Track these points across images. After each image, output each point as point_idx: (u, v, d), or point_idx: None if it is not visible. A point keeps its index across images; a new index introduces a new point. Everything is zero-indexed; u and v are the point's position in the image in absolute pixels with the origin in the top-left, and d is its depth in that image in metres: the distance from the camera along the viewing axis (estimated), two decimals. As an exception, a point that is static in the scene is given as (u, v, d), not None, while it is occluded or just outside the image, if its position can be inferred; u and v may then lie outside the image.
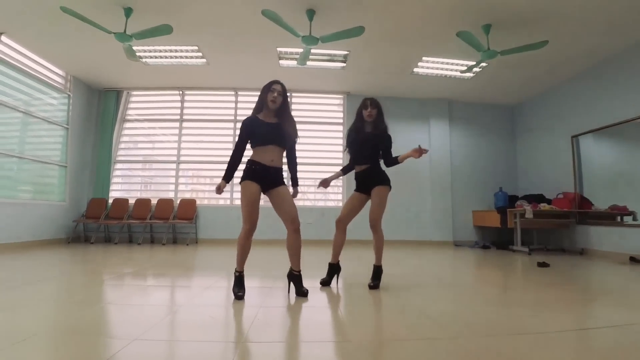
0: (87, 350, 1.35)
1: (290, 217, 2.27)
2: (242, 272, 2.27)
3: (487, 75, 5.51)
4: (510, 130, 6.87)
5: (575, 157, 5.39)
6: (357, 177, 2.66)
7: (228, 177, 2.26)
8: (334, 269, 2.63)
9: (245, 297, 2.18)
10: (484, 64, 5.00)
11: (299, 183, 2.55)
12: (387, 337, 1.59)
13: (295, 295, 2.28)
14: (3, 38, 4.54)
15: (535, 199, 5.60)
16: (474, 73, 5.42)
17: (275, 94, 2.28)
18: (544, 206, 5.21)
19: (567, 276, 3.29)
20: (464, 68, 5.05)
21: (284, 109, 2.33)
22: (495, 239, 6.22)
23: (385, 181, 2.56)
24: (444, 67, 5.31)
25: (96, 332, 1.59)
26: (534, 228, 5.76)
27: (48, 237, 5.32)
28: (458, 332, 1.60)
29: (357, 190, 2.65)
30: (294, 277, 2.31)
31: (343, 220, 2.60)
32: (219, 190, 2.22)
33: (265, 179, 2.23)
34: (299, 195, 2.54)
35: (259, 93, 2.36)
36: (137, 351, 1.33)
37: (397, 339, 1.56)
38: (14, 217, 4.71)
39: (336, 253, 2.62)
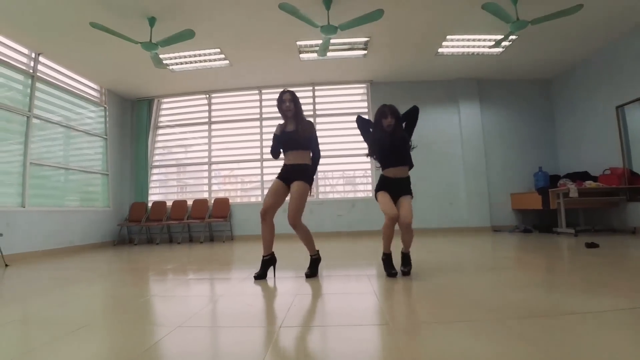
0: (135, 336, 1.43)
1: (289, 213, 2.47)
2: (265, 256, 2.54)
3: (518, 48, 5.21)
4: (547, 105, 6.47)
5: (621, 129, 4.99)
6: (387, 180, 2.55)
7: None
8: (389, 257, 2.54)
9: (280, 285, 2.25)
10: (513, 37, 4.73)
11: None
12: (425, 320, 1.56)
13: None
14: (41, 58, 4.87)
15: (580, 176, 5.25)
16: (503, 48, 5.15)
17: (287, 104, 2.53)
18: (589, 184, 4.88)
19: (619, 256, 3.05)
20: (492, 43, 4.80)
21: (297, 114, 2.56)
22: (536, 222, 5.91)
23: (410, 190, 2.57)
24: (470, 44, 5.09)
25: (142, 320, 1.68)
26: (579, 208, 5.41)
27: (96, 240, 5.69)
28: (501, 314, 1.53)
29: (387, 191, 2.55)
30: (311, 260, 2.59)
31: (395, 217, 2.40)
32: None
33: (285, 173, 2.55)
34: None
35: (282, 89, 2.60)
36: (181, 336, 1.39)
37: (436, 321, 1.52)
38: (65, 223, 5.07)
39: (389, 244, 2.52)
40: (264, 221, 2.50)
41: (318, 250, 2.63)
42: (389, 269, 2.45)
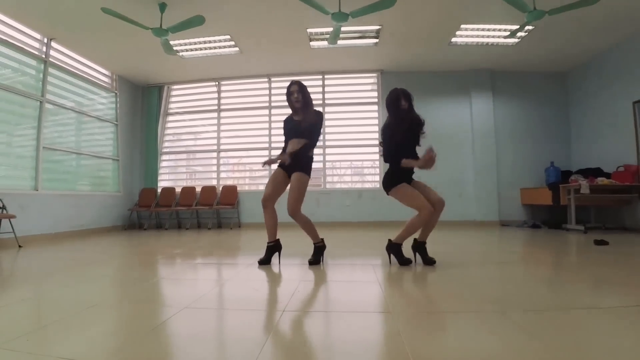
0: (142, 316, 1.47)
1: (287, 203, 2.51)
2: (269, 242, 2.59)
3: (534, 39, 5.07)
4: (562, 99, 6.31)
5: (637, 125, 4.85)
6: (406, 171, 2.55)
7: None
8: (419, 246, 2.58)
9: (285, 272, 2.29)
10: (530, 27, 4.60)
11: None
12: (428, 309, 1.56)
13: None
14: (53, 44, 4.91)
15: (592, 173, 5.14)
16: (518, 38, 5.02)
17: (295, 95, 2.56)
18: (602, 180, 4.77)
19: (629, 254, 3.00)
20: (507, 33, 4.69)
21: (305, 105, 2.59)
22: (546, 218, 5.82)
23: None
24: (485, 34, 4.97)
25: (151, 301, 1.73)
26: (590, 205, 5.32)
27: (107, 224, 5.80)
28: (504, 306, 1.53)
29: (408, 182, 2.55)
30: (315, 248, 2.62)
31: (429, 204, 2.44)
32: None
33: (285, 166, 2.57)
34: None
35: (291, 78, 2.64)
36: (187, 317, 1.42)
37: (440, 311, 1.53)
38: (76, 207, 5.18)
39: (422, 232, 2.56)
40: (266, 209, 2.54)
41: (322, 239, 2.66)
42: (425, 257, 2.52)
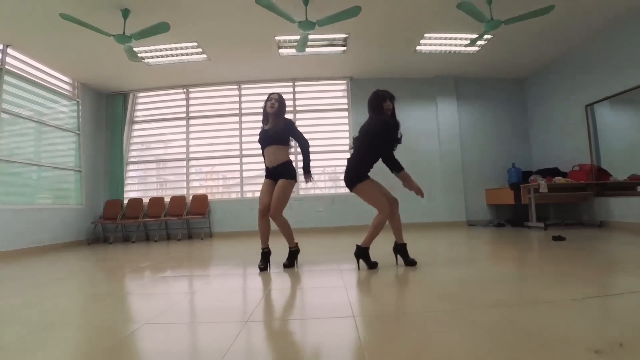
0: (101, 334, 1.41)
1: (271, 206, 2.64)
2: (264, 249, 2.71)
3: (493, 48, 5.34)
4: (522, 104, 6.66)
5: (590, 127, 5.20)
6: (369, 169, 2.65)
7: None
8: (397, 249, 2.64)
9: (253, 280, 2.26)
10: (488, 36, 4.85)
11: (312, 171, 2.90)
12: (392, 312, 1.60)
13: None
14: (10, 50, 4.67)
15: (550, 172, 5.44)
16: (479, 47, 5.27)
17: (273, 101, 2.72)
18: (559, 179, 5.07)
19: (584, 248, 3.19)
20: (468, 42, 4.91)
21: (278, 113, 2.74)
22: (510, 216, 6.10)
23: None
24: (448, 42, 5.17)
25: (111, 318, 1.66)
26: (550, 203, 5.62)
27: (69, 239, 5.52)
28: (464, 305, 1.59)
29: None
30: (289, 252, 2.77)
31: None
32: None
33: (271, 175, 2.75)
34: (309, 184, 3.10)
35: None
36: (146, 333, 1.38)
37: (404, 312, 1.56)
38: (35, 222, 4.89)
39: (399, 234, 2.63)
40: (263, 218, 2.69)
41: (297, 243, 2.79)
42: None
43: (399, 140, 2.57)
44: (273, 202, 2.61)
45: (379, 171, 2.65)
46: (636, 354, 1.02)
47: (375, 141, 2.51)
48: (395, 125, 2.56)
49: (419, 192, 2.55)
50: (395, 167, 2.54)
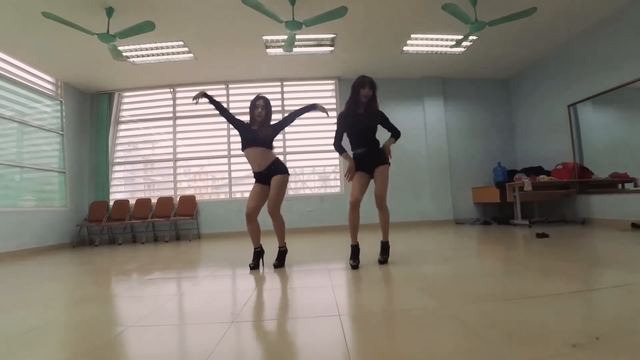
0: (85, 337, 1.39)
1: (268, 202, 2.73)
2: (256, 248, 2.81)
3: (479, 49, 5.43)
4: (507, 104, 6.79)
5: (572, 127, 5.32)
6: (357, 158, 2.67)
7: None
8: (356, 249, 2.63)
9: (241, 281, 2.26)
10: (473, 37, 4.92)
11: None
12: (377, 310, 1.61)
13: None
14: (-10, 49, 4.55)
15: (534, 171, 5.56)
16: (464, 47, 5.34)
17: (259, 110, 2.74)
18: (543, 178, 5.18)
19: (567, 245, 3.27)
20: (454, 43, 4.98)
21: (265, 121, 2.78)
22: (496, 214, 6.21)
23: (386, 160, 2.64)
24: (434, 43, 5.24)
25: (95, 321, 1.63)
26: (534, 201, 5.74)
27: (53, 242, 5.40)
28: (449, 301, 1.62)
29: (359, 170, 2.65)
30: (279, 251, 2.83)
31: (359, 200, 2.57)
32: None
33: (261, 179, 2.78)
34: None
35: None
36: (130, 336, 1.36)
37: (388, 310, 1.58)
38: (18, 225, 4.78)
39: (355, 234, 2.63)
40: (251, 222, 2.75)
41: (285, 243, 2.87)
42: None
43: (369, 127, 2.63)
44: (271, 200, 2.69)
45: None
46: (612, 346, 1.05)
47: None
48: (346, 115, 2.63)
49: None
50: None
